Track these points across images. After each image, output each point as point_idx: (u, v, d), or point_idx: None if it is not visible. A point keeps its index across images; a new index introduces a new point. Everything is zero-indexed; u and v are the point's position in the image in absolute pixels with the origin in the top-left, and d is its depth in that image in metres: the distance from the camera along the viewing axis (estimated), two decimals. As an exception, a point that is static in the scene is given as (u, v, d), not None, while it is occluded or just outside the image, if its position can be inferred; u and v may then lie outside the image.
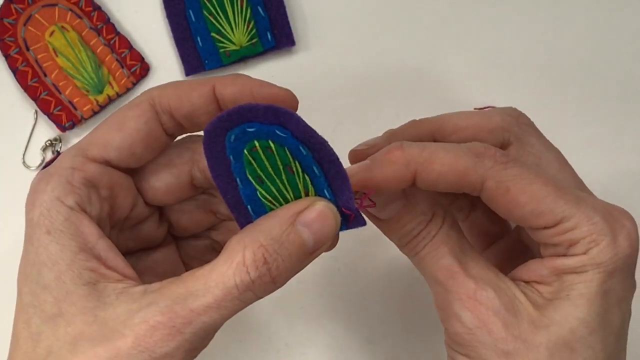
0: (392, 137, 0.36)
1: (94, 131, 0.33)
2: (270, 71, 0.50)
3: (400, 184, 0.31)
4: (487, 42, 0.51)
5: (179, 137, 0.35)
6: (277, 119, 0.30)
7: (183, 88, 0.33)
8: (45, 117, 0.48)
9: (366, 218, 0.33)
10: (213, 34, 0.49)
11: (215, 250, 0.38)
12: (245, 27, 0.49)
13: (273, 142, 0.31)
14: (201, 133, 0.32)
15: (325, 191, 0.32)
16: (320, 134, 0.30)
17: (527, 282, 0.32)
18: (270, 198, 0.32)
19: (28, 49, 0.48)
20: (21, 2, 0.48)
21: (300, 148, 0.31)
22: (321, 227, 0.30)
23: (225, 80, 0.33)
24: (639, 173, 0.50)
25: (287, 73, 0.50)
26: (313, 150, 0.31)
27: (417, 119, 0.37)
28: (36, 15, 0.48)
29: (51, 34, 0.48)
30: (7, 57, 0.48)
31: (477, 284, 0.31)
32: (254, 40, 0.49)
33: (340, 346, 0.46)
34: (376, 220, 0.33)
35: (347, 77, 0.50)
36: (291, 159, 0.31)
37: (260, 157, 0.31)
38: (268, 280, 0.29)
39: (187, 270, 0.31)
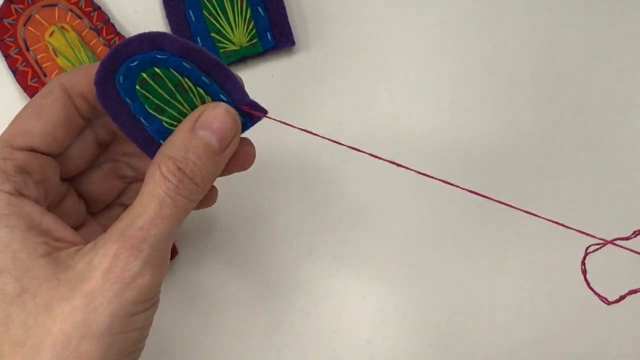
0: None
1: (13, 122, 0.34)
2: (270, 71, 0.50)
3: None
4: (487, 44, 0.51)
5: None
6: (153, 44, 0.32)
7: (92, 70, 0.34)
8: (45, 117, 0.48)
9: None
10: (213, 34, 0.49)
11: None
12: (245, 27, 0.49)
13: (158, 68, 0.33)
14: None
15: (221, 96, 0.33)
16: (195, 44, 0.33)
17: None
18: (175, 123, 0.34)
19: (28, 49, 0.48)
20: (21, 2, 0.48)
21: (184, 63, 0.32)
22: (218, 124, 0.33)
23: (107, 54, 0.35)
24: (638, 176, 0.50)
25: (287, 73, 0.50)
26: (195, 62, 0.32)
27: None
28: (36, 16, 0.48)
29: (51, 34, 0.48)
30: (7, 57, 0.48)
31: None
32: (254, 41, 0.49)
33: (340, 346, 0.46)
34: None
35: (347, 77, 0.50)
36: (180, 78, 0.33)
37: (153, 87, 0.33)
38: (189, 182, 0.32)
39: None
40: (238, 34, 0.49)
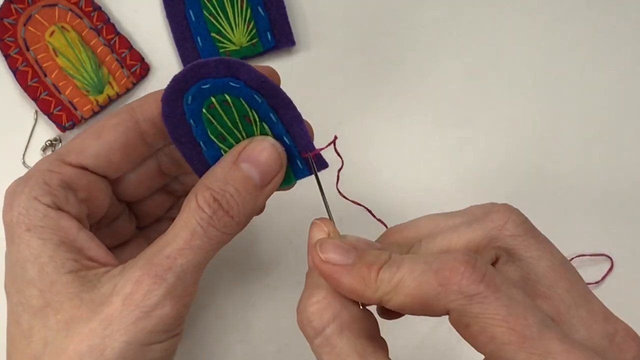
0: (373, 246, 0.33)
1: (73, 139, 0.34)
2: (270, 71, 0.50)
3: (363, 302, 0.30)
4: (486, 45, 0.51)
5: None
6: (229, 70, 0.31)
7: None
8: (45, 117, 0.48)
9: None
10: (213, 34, 0.49)
11: None
12: (245, 27, 0.49)
13: (229, 95, 0.32)
14: None
15: (285, 137, 0.33)
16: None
17: None
18: None
19: (28, 49, 0.48)
20: (21, 2, 0.48)
21: (255, 96, 0.32)
22: (263, 160, 0.32)
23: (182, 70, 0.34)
24: (638, 174, 0.50)
25: (287, 73, 0.50)
26: (267, 97, 0.32)
27: (395, 226, 0.34)
28: (36, 16, 0.48)
29: (51, 34, 0.48)
30: (7, 57, 0.48)
31: None
32: (254, 41, 0.49)
33: (340, 346, 0.46)
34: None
35: (347, 77, 0.50)
36: (248, 109, 0.32)
37: (219, 113, 0.32)
38: (223, 214, 0.31)
39: None
40: (238, 34, 0.49)
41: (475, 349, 0.28)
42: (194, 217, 0.31)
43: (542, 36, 0.52)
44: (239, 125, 0.33)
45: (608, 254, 0.47)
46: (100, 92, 0.48)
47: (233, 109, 0.32)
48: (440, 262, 0.28)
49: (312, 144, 0.33)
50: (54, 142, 0.48)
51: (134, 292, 0.30)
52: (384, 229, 0.36)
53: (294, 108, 0.32)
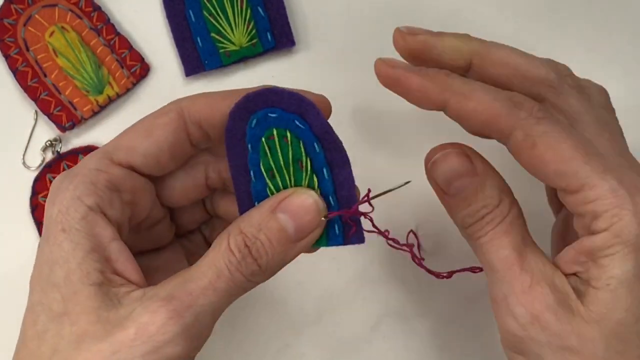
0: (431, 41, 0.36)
1: (121, 135, 0.33)
2: (270, 71, 0.50)
3: (427, 102, 0.33)
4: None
5: None
6: (299, 108, 0.31)
7: (214, 98, 0.33)
8: (45, 117, 0.48)
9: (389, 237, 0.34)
10: (213, 34, 0.49)
11: (209, 244, 0.39)
12: (245, 27, 0.49)
13: (290, 132, 0.31)
14: None
15: (330, 197, 0.32)
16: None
17: (569, 275, 0.31)
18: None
19: (28, 50, 0.48)
20: (21, 2, 0.48)
21: (315, 145, 0.31)
22: (301, 214, 0.31)
23: (258, 90, 0.33)
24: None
25: (287, 73, 0.50)
26: (326, 150, 0.31)
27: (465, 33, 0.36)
28: (36, 16, 0.48)
29: (51, 34, 0.48)
30: (7, 57, 0.48)
31: (534, 278, 0.31)
32: (254, 41, 0.49)
33: (340, 346, 0.46)
34: (442, 194, 0.33)
35: (347, 77, 0.50)
36: (304, 155, 0.32)
37: (276, 147, 0.32)
38: (252, 262, 0.30)
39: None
40: (238, 34, 0.49)
41: (536, 173, 0.31)
42: (223, 258, 0.30)
43: (543, 36, 0.52)
44: (291, 168, 0.32)
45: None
46: (100, 92, 0.48)
47: (290, 148, 0.32)
48: (511, 94, 0.32)
49: (354, 185, 0.32)
50: (54, 142, 0.48)
51: (149, 323, 0.29)
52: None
53: (350, 171, 0.32)
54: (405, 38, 0.35)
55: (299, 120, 0.31)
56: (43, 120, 0.48)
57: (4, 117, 0.48)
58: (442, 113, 0.35)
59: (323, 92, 0.50)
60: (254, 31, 0.49)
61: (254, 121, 0.31)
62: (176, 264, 0.37)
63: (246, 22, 0.49)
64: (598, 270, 0.30)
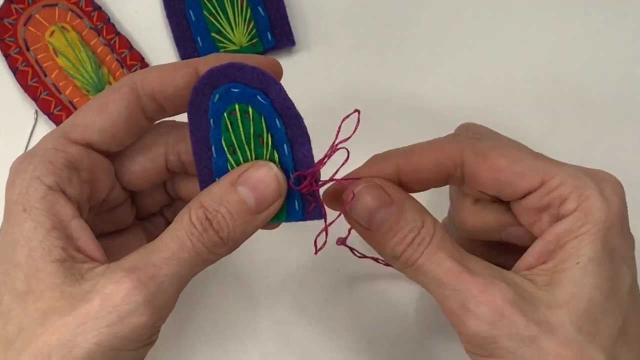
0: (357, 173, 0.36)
1: (75, 114, 0.34)
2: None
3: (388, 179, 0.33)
4: (488, 44, 0.51)
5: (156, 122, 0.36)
6: (261, 83, 0.31)
7: (166, 70, 0.33)
8: (45, 117, 0.48)
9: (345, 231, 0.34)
10: (213, 34, 0.49)
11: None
12: (245, 27, 0.49)
13: (252, 108, 0.32)
14: (173, 118, 0.34)
15: (290, 173, 0.32)
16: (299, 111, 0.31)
17: (529, 269, 0.31)
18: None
19: (28, 49, 0.48)
20: (21, 2, 0.48)
21: (277, 120, 0.31)
22: (261, 187, 0.31)
23: (208, 60, 0.33)
24: (637, 175, 0.50)
25: (287, 73, 0.49)
26: (287, 126, 0.31)
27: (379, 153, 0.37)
28: (36, 16, 0.48)
29: (51, 34, 0.48)
30: (7, 57, 0.48)
31: (486, 278, 0.31)
32: (254, 40, 0.49)
33: (340, 346, 0.46)
34: (366, 232, 0.33)
35: (347, 77, 0.50)
36: (265, 130, 0.32)
37: (238, 123, 0.32)
38: (213, 234, 0.31)
39: None
40: (238, 34, 0.49)
41: (494, 185, 0.32)
42: (185, 230, 0.31)
43: (545, 34, 0.52)
44: (252, 143, 0.32)
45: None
46: (100, 92, 0.48)
47: (251, 123, 0.32)
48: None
49: (316, 189, 0.32)
50: (54, 142, 0.48)
51: (113, 294, 0.29)
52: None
53: (309, 147, 0.32)
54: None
55: (261, 96, 0.31)
56: (43, 120, 0.48)
57: (4, 117, 0.48)
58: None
59: (323, 92, 0.50)
60: (254, 31, 0.49)
61: (217, 96, 0.32)
62: (137, 246, 0.38)
63: (246, 22, 0.49)
64: (567, 252, 0.30)
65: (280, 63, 0.51)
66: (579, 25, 0.52)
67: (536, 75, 0.51)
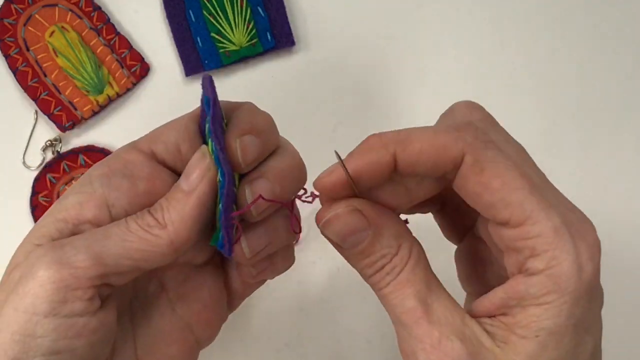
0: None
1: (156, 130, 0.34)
2: (270, 71, 0.50)
3: (383, 170, 0.30)
4: (487, 44, 0.51)
5: None
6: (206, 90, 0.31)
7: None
8: (46, 117, 0.48)
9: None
10: (213, 34, 0.49)
11: None
12: (245, 27, 0.49)
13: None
14: None
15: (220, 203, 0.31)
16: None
17: (490, 317, 0.30)
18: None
19: (28, 49, 0.48)
20: (21, 2, 0.48)
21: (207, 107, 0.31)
22: (189, 168, 0.32)
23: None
24: (637, 174, 0.50)
25: (287, 73, 0.50)
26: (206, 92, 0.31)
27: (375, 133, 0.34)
28: (36, 16, 0.48)
29: (51, 34, 0.48)
30: (7, 57, 0.48)
31: (442, 332, 0.29)
32: (253, 41, 0.49)
33: (340, 346, 0.46)
34: (338, 247, 0.32)
35: (347, 77, 0.50)
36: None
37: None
38: (150, 217, 0.32)
39: None
40: (238, 34, 0.49)
41: (478, 201, 0.29)
42: (129, 226, 0.31)
43: (543, 36, 0.52)
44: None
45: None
46: (100, 92, 0.48)
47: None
48: (452, 123, 0.31)
49: (231, 234, 0.32)
50: (54, 142, 0.48)
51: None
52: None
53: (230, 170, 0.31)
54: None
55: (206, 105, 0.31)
56: (43, 120, 0.48)
57: (4, 117, 0.48)
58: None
59: (322, 91, 0.50)
60: (254, 31, 0.49)
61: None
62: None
63: (246, 22, 0.49)
64: (527, 318, 0.28)
65: (280, 63, 0.51)
66: (579, 25, 0.52)
67: (536, 75, 0.51)
